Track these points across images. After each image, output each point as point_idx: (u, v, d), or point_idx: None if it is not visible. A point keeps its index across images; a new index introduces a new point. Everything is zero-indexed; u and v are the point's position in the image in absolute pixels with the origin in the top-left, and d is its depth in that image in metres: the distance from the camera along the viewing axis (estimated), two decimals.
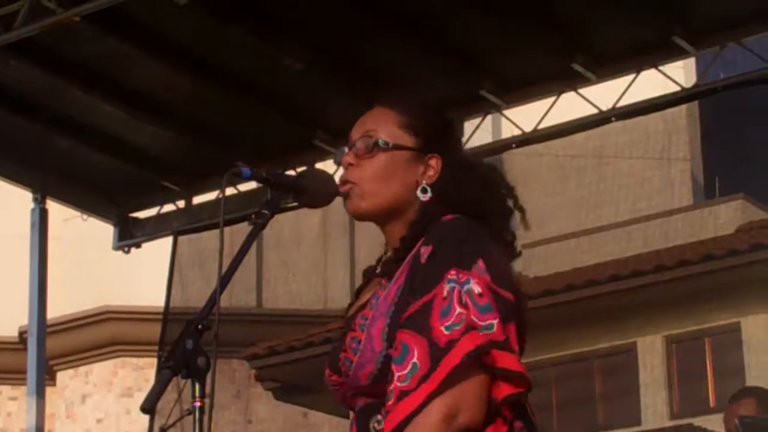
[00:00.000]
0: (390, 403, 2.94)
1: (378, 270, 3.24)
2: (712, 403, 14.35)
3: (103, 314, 17.19)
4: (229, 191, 9.46)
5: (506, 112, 8.57)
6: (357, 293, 3.29)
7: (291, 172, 4.92)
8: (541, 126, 8.51)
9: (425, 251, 3.03)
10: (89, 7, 7.12)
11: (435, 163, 3.20)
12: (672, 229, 14.35)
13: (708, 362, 14.65)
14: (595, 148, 11.74)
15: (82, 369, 17.76)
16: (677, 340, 14.51)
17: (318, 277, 16.86)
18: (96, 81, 8.36)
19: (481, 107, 8.55)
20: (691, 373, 14.45)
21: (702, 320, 14.20)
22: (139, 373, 17.51)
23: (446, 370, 2.90)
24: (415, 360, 2.93)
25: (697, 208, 15.20)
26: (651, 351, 14.52)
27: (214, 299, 3.02)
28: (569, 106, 8.41)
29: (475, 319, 2.92)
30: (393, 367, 2.95)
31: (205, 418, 2.92)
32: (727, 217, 14.79)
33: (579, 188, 13.30)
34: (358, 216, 3.25)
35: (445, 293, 2.95)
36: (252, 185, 9.19)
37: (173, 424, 6.79)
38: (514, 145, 8.73)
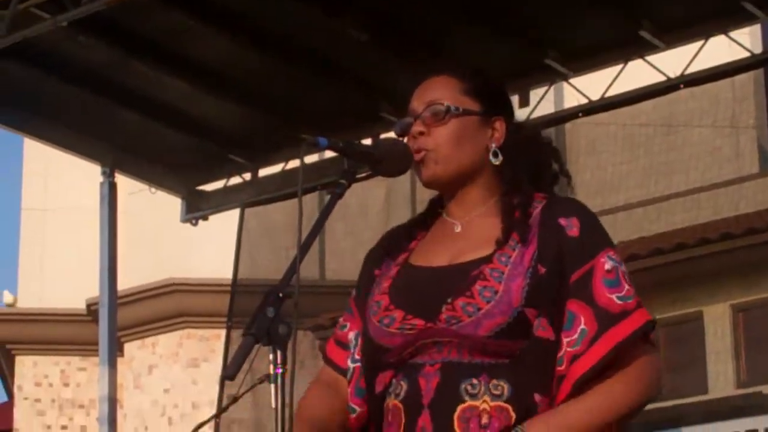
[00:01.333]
0: (562, 368, 2.98)
1: (456, 229, 3.25)
2: None
3: (169, 286, 17.28)
4: (293, 164, 9.50)
5: (572, 81, 8.53)
6: (411, 226, 3.39)
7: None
8: (607, 94, 8.48)
9: (567, 223, 3.07)
10: None
11: (500, 125, 3.23)
12: (741, 198, 14.27)
13: None
14: (664, 117, 11.68)
15: (149, 340, 17.87)
16: (744, 309, 14.41)
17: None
18: (162, 55, 8.41)
19: (547, 76, 8.52)
20: (759, 342, 14.35)
21: None
22: (204, 344, 17.60)
23: (619, 338, 2.98)
24: (583, 326, 2.98)
25: (765, 176, 15.09)
26: (718, 319, 14.45)
27: (293, 268, 3.00)
28: (636, 73, 8.37)
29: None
30: (561, 334, 3.00)
31: (287, 384, 2.91)
32: None
33: (647, 157, 13.24)
34: (433, 182, 3.24)
35: (608, 267, 3.02)
36: (313, 158, 9.26)
37: (245, 393, 6.80)
38: (581, 114, 8.68)
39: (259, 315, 2.90)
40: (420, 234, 3.33)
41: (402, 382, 3.10)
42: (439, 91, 3.23)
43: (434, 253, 3.22)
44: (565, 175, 3.30)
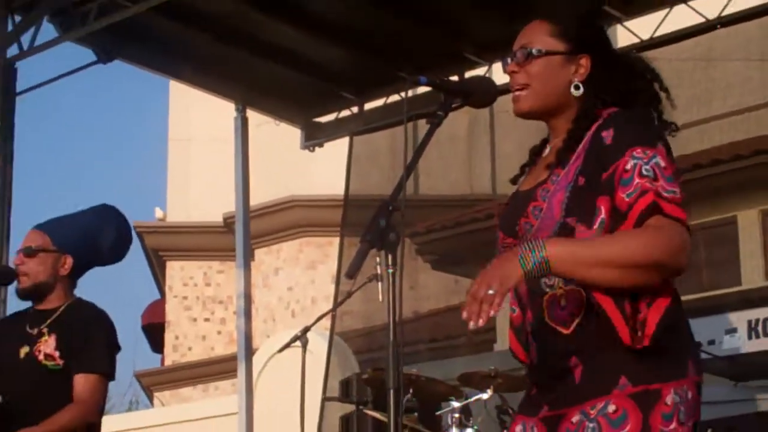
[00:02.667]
0: None
1: (545, 153, 3.22)
2: None
3: (291, 202, 17.39)
4: (393, 98, 9.53)
5: (626, 24, 8.47)
6: (522, 170, 3.30)
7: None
8: (656, 34, 8.40)
9: (607, 134, 2.99)
10: None
11: (585, 62, 3.16)
12: None
13: None
14: (703, 52, 11.54)
15: (274, 247, 18.01)
16: None
17: (465, 168, 16.90)
18: (284, 8, 8.43)
19: (604, 20, 8.44)
20: None
21: None
22: (320, 250, 17.71)
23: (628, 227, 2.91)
24: (603, 217, 2.93)
25: None
26: (749, 223, 14.34)
27: (400, 186, 3.01)
28: (680, 16, 8.30)
29: (662, 186, 2.90)
30: (584, 234, 2.94)
31: (397, 281, 2.92)
32: None
33: (690, 87, 13.13)
34: (525, 113, 3.20)
35: (628, 167, 2.91)
36: (412, 93, 9.26)
37: (357, 290, 6.86)
38: (634, 51, 8.58)
39: (373, 225, 2.91)
40: (538, 158, 3.29)
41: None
42: (531, 35, 3.20)
43: (528, 179, 3.24)
44: (663, 90, 3.22)
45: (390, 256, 2.93)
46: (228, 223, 17.40)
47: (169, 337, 19.47)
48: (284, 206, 17.46)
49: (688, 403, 2.91)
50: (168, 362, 19.44)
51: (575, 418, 2.91)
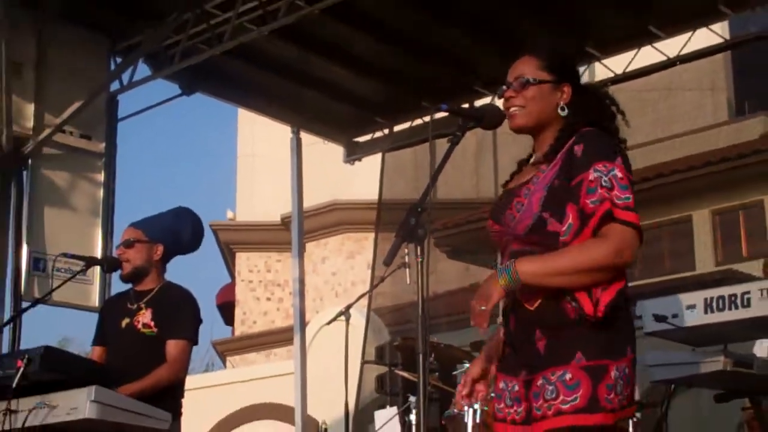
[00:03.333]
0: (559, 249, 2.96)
1: (531, 161, 3.23)
2: (745, 254, 14.11)
3: (334, 205, 17.42)
4: (417, 122, 9.51)
5: (603, 61, 8.45)
6: (511, 177, 3.28)
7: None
8: (627, 69, 8.37)
9: (578, 149, 3.01)
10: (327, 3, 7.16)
11: (567, 89, 3.18)
12: (718, 137, 14.09)
13: (742, 227, 14.36)
14: (665, 84, 11.53)
15: (322, 241, 18.04)
16: (720, 213, 14.27)
17: (473, 177, 16.88)
18: (331, 51, 8.44)
19: (586, 58, 8.42)
20: (730, 235, 14.20)
21: (737, 197, 13.96)
22: (358, 243, 17.72)
23: (588, 232, 2.94)
24: (570, 222, 2.96)
25: (734, 122, 14.85)
26: (702, 221, 14.30)
27: (427, 192, 3.01)
28: (647, 56, 8.27)
29: (616, 194, 2.93)
30: (554, 227, 2.97)
31: (425, 267, 2.94)
32: (754, 128, 14.50)
33: (654, 112, 13.15)
34: (519, 129, 3.20)
35: (592, 178, 2.95)
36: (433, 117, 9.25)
37: (389, 275, 6.81)
38: (609, 83, 8.54)
39: (405, 223, 2.92)
40: (524, 167, 3.28)
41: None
42: (523, 68, 3.20)
43: (514, 180, 3.22)
44: (620, 113, 3.22)
45: (419, 248, 2.94)
46: (285, 221, 17.43)
47: (238, 313, 19.51)
48: (329, 209, 17.49)
49: (625, 377, 2.91)
50: (237, 333, 19.49)
51: (539, 382, 2.93)
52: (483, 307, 2.89)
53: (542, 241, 2.98)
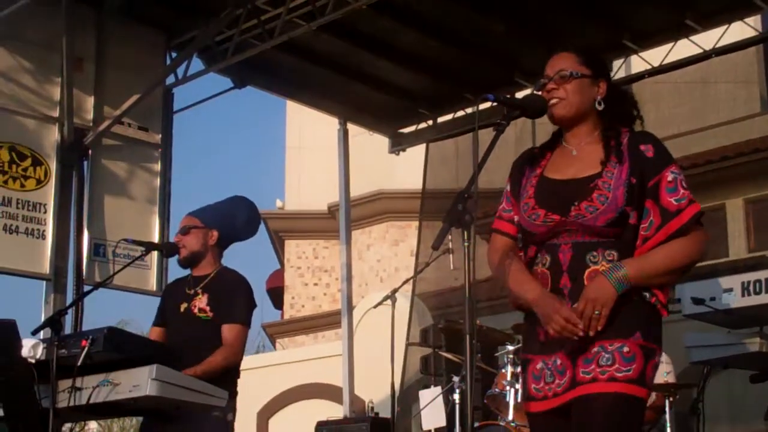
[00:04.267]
0: (638, 243, 3.03)
1: (571, 151, 3.25)
2: None
3: (379, 195, 17.37)
4: (459, 113, 9.49)
5: (641, 54, 8.37)
6: (531, 163, 3.32)
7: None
8: (664, 62, 8.30)
9: (645, 148, 3.10)
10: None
11: (603, 84, 3.23)
12: (751, 129, 13.91)
13: None
14: (701, 76, 11.40)
15: (367, 229, 18.00)
16: (753, 202, 14.10)
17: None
18: (378, 45, 8.43)
19: (623, 51, 8.36)
20: (762, 223, 14.04)
21: None
22: (401, 231, 17.67)
23: (673, 228, 3.02)
24: (652, 219, 3.04)
25: (766, 114, 14.70)
26: (735, 209, 14.15)
27: (473, 179, 3.01)
28: (683, 48, 8.20)
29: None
30: (640, 222, 3.05)
31: (471, 251, 2.92)
32: None
33: (690, 103, 13.00)
34: (560, 119, 3.23)
35: (670, 178, 3.06)
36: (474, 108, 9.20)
37: (434, 260, 6.80)
38: (646, 75, 8.49)
39: (453, 209, 2.92)
40: (548, 154, 3.30)
41: (546, 256, 3.12)
42: (565, 62, 3.23)
43: (560, 170, 3.21)
44: (639, 118, 3.30)
45: (466, 233, 2.92)
46: (331, 210, 17.46)
47: (287, 298, 19.57)
48: (374, 198, 17.44)
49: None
50: (286, 316, 19.55)
51: (595, 349, 2.99)
52: (597, 312, 2.94)
53: (621, 234, 3.03)
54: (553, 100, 3.19)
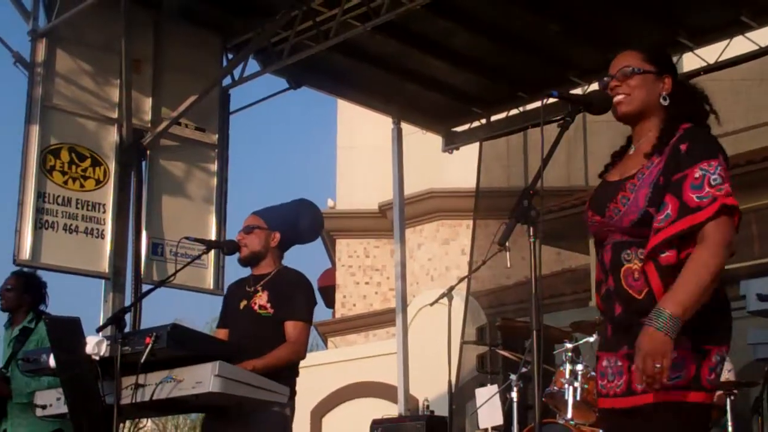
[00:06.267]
0: (652, 235, 2.94)
1: (632, 151, 3.21)
2: None
3: (430, 194, 17.33)
4: (513, 111, 9.44)
5: (696, 51, 8.26)
6: (606, 168, 3.27)
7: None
8: (720, 59, 8.18)
9: (683, 147, 3.00)
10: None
11: (668, 80, 3.18)
12: None
13: None
14: (757, 72, 11.21)
15: (418, 228, 17.96)
16: None
17: (565, 166, 16.67)
18: (431, 45, 8.42)
19: (679, 49, 8.26)
20: None
21: None
22: (453, 229, 17.61)
23: (686, 225, 2.91)
24: (668, 212, 2.94)
25: None
26: None
27: (538, 176, 2.98)
28: (739, 45, 8.08)
29: (726, 189, 2.93)
30: (656, 214, 2.95)
31: (537, 248, 2.89)
32: None
33: (746, 100, 12.80)
34: (624, 116, 3.19)
35: (697, 175, 2.94)
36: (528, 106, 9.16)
37: (489, 258, 6.73)
38: (702, 72, 8.38)
39: (518, 205, 2.89)
40: (619, 158, 3.27)
41: (600, 256, 3.15)
42: (628, 59, 3.20)
43: (614, 172, 3.21)
44: (712, 112, 3.21)
45: (532, 228, 2.90)
46: (382, 210, 17.45)
47: (338, 296, 19.59)
48: (425, 196, 17.39)
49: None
50: (338, 315, 19.58)
51: None
52: (658, 365, 2.79)
53: (646, 234, 2.97)
54: (618, 97, 3.16)
